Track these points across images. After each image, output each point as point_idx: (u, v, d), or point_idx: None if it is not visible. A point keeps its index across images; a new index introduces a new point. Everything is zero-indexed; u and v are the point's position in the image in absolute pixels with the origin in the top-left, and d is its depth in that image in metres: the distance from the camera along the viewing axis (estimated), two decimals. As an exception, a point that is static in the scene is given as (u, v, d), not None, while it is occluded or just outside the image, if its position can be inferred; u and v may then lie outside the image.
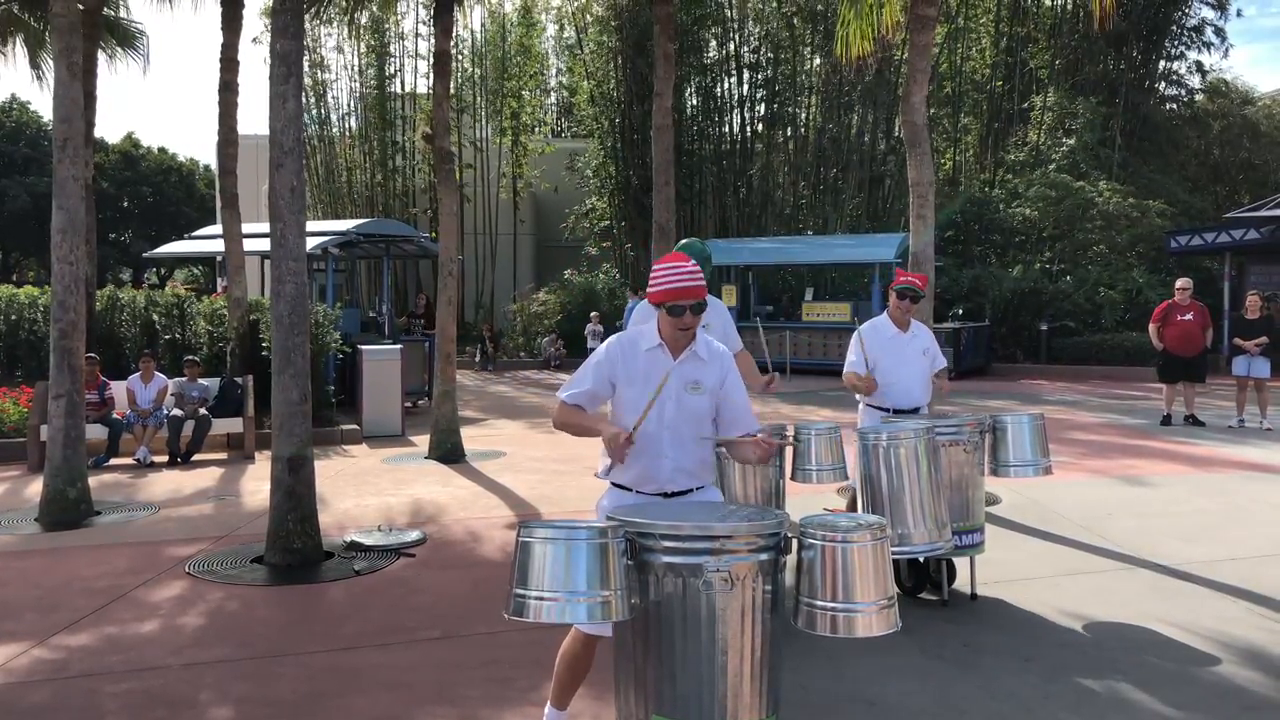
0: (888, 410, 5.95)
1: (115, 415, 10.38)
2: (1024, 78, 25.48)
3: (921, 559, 5.42)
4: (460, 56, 27.29)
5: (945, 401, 6.38)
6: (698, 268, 3.46)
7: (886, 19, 10.38)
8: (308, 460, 6.60)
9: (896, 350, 5.94)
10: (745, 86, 26.63)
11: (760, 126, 26.89)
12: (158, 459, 10.34)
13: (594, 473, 3.65)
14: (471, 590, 5.85)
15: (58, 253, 7.96)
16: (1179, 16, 25.35)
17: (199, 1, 15.33)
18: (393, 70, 27.76)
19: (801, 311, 20.37)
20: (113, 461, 10.21)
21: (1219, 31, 25.77)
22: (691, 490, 3.51)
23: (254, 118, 38.17)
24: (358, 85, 28.16)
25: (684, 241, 5.46)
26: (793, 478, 5.45)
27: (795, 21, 25.30)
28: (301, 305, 6.64)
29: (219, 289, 17.83)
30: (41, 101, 50.18)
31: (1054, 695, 4.23)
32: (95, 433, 9.79)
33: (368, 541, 6.85)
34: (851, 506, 6.24)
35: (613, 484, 3.55)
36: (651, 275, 3.52)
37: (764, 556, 2.84)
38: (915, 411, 5.95)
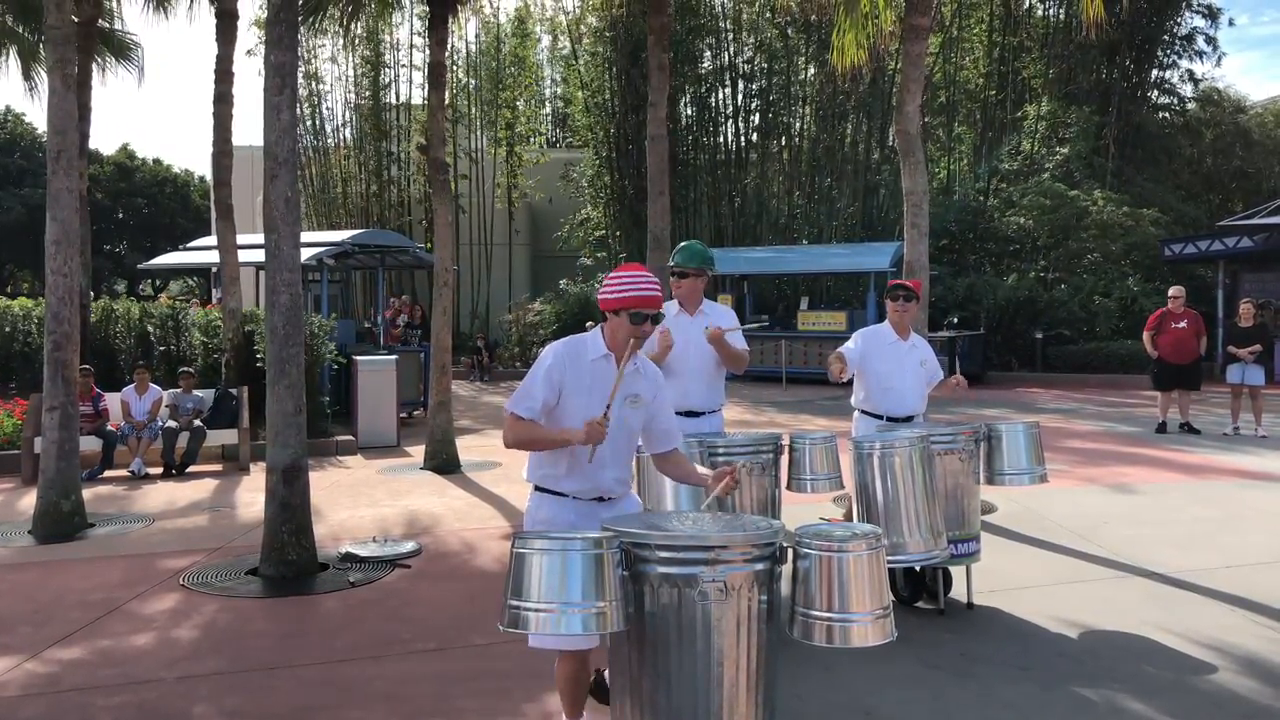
0: (882, 418, 5.95)
1: (110, 427, 10.35)
2: (1017, 87, 25.56)
3: (918, 568, 5.41)
4: (455, 67, 27.33)
5: (943, 408, 6.38)
6: (657, 282, 3.52)
7: (884, 25, 10.43)
8: (303, 471, 6.59)
9: (895, 357, 5.92)
10: (740, 96, 26.71)
11: (755, 136, 26.96)
12: (152, 471, 10.31)
13: (524, 476, 3.68)
14: (467, 601, 5.83)
15: (52, 264, 7.96)
16: (1171, 25, 25.47)
17: (194, 14, 15.31)
18: (387, 81, 27.82)
19: (797, 320, 20.39)
20: (107, 473, 10.18)
21: (1210, 40, 25.91)
22: (619, 497, 3.64)
23: (249, 129, 38.24)
24: (352, 96, 28.20)
25: (685, 243, 5.43)
26: (788, 487, 5.44)
27: (789, 32, 25.38)
28: (296, 316, 6.64)
29: (212, 300, 17.80)
30: (35, 113, 50.17)
31: (1051, 704, 4.23)
32: (89, 444, 9.76)
33: (363, 553, 6.83)
34: (848, 516, 6.23)
35: (547, 490, 3.58)
36: (609, 280, 3.53)
37: (760, 566, 2.83)
38: (909, 420, 5.94)
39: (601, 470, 3.51)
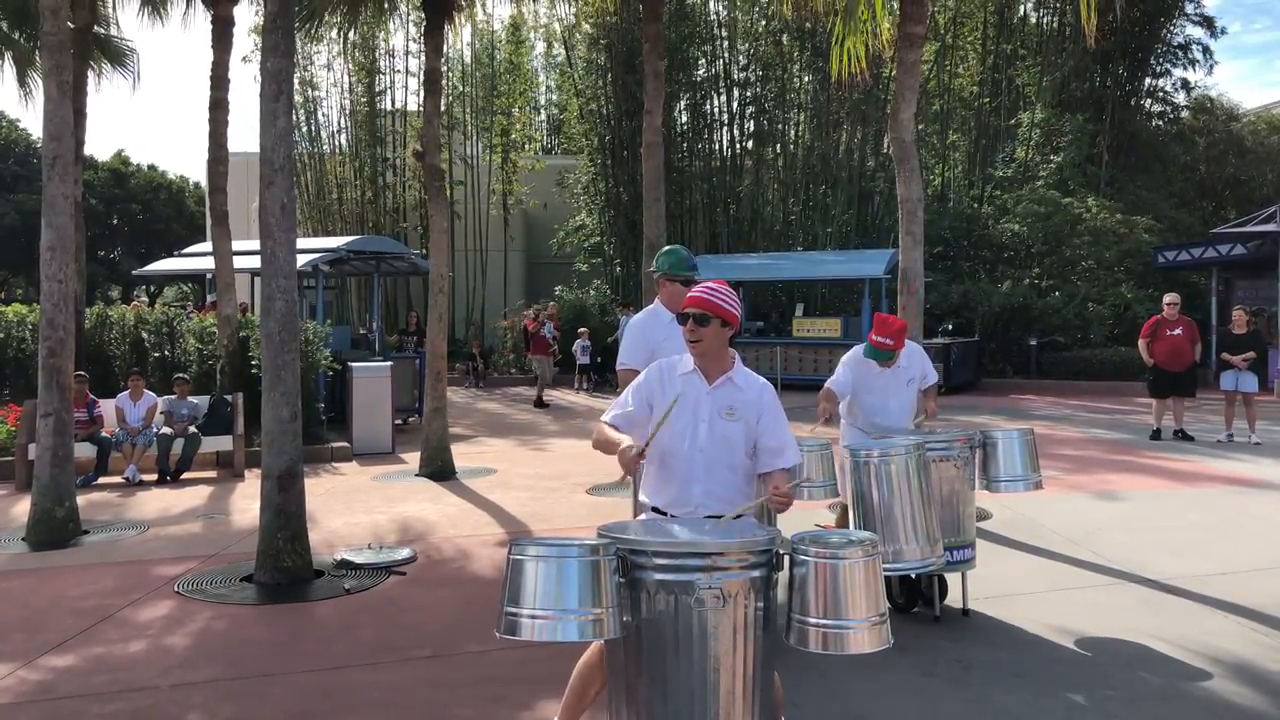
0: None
1: (104, 433, 10.33)
2: (1011, 95, 25.63)
3: (913, 575, 5.42)
4: (450, 74, 27.36)
5: (935, 418, 6.41)
6: (714, 288, 3.51)
7: (883, 32, 10.42)
8: (298, 478, 6.58)
9: (881, 387, 6.04)
10: (734, 103, 26.75)
11: (750, 143, 26.99)
12: (146, 477, 10.28)
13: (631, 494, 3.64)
14: (463, 608, 5.82)
15: (46, 270, 7.95)
16: (1165, 34, 25.56)
17: (189, 19, 15.28)
18: (383, 87, 27.84)
19: (792, 327, 20.42)
20: (101, 480, 10.15)
21: (1204, 49, 26.01)
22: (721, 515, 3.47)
23: (244, 135, 38.27)
24: (348, 102, 28.22)
25: (671, 248, 5.39)
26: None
27: (784, 39, 25.44)
28: (292, 323, 6.63)
29: (206, 304, 17.77)
30: (30, 119, 50.14)
31: (1045, 711, 4.23)
32: (84, 451, 9.74)
33: (358, 560, 6.82)
34: (843, 523, 6.24)
35: (652, 509, 3.57)
36: None
37: (756, 573, 2.84)
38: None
39: (690, 484, 3.45)
